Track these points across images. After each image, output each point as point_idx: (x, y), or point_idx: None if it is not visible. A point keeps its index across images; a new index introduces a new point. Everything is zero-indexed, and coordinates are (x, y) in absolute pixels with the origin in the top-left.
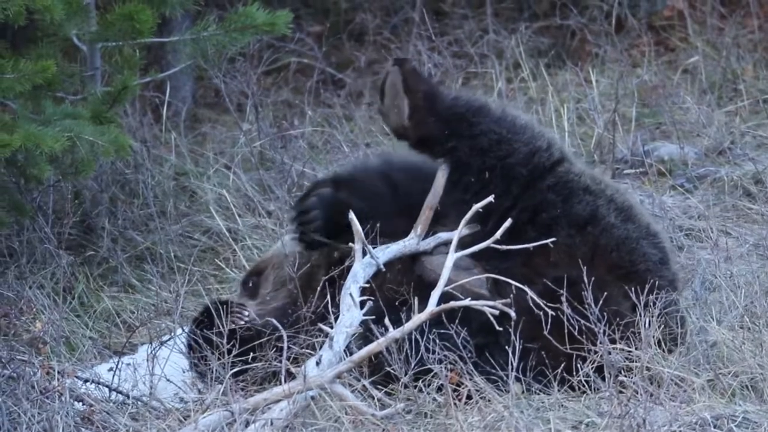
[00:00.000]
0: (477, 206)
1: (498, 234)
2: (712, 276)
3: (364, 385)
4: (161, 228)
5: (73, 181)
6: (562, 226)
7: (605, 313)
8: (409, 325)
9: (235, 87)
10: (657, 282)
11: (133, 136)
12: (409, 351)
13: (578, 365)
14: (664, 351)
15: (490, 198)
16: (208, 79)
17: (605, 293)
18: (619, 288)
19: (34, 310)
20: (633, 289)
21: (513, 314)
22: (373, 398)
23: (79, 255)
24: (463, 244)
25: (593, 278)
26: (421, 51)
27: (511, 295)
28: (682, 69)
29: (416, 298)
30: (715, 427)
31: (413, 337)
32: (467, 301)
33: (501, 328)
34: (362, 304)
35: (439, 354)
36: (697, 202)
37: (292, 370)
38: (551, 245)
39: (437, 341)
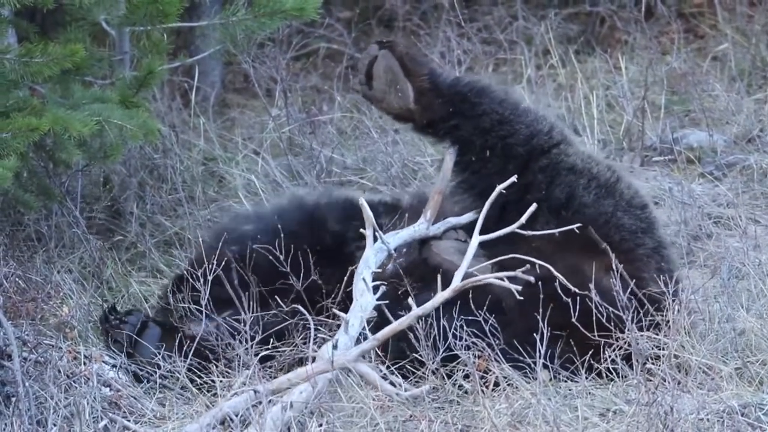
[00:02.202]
0: (500, 187)
1: (523, 219)
2: (741, 264)
3: (386, 372)
4: (190, 213)
5: (102, 166)
6: (541, 212)
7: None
8: (432, 303)
9: (264, 72)
10: (637, 250)
11: (162, 120)
12: (437, 336)
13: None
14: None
15: (513, 178)
16: (237, 64)
17: (581, 273)
18: (591, 265)
19: (62, 294)
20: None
21: (533, 280)
22: (400, 383)
23: (107, 240)
24: (469, 229)
25: (567, 260)
26: (451, 37)
27: (536, 270)
28: (711, 56)
29: (439, 276)
30: (742, 415)
31: (441, 324)
32: (489, 276)
33: (507, 311)
34: (375, 288)
35: (466, 340)
36: (726, 189)
37: (316, 354)
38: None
39: (464, 327)
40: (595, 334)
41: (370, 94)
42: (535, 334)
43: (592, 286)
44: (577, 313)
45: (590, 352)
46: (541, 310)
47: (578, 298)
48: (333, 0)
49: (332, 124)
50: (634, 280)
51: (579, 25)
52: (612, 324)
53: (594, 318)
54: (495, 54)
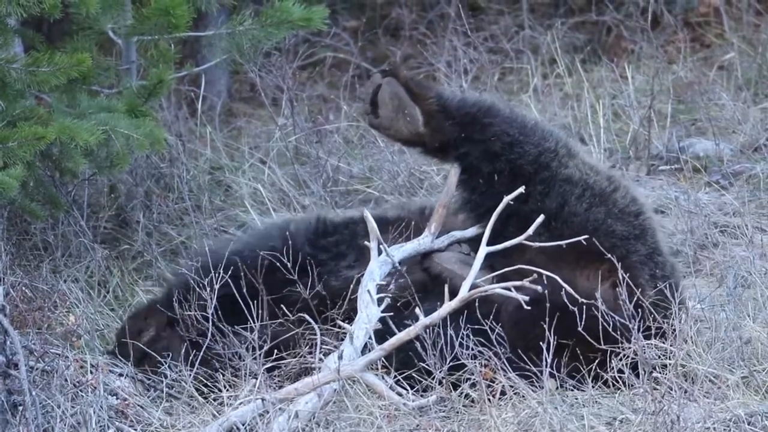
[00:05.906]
0: (508, 198)
1: (530, 230)
2: (747, 273)
3: (393, 381)
4: (196, 222)
5: (108, 175)
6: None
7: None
8: (439, 313)
9: (271, 81)
10: (630, 257)
11: (169, 130)
12: (444, 346)
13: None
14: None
15: (521, 189)
16: (243, 74)
17: (574, 285)
18: (584, 276)
19: (68, 303)
20: (609, 269)
21: (540, 289)
22: (406, 391)
23: (113, 249)
24: (473, 243)
25: (561, 272)
26: (457, 46)
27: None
28: (717, 65)
29: (446, 286)
30: (749, 424)
31: (448, 334)
32: (496, 286)
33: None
34: (379, 301)
35: (473, 349)
36: (732, 198)
37: (322, 364)
38: (527, 242)
39: (471, 336)
40: (592, 346)
41: (376, 123)
42: (540, 343)
43: (597, 294)
44: (573, 325)
45: (590, 364)
46: (540, 322)
47: (575, 309)
48: (339, 9)
49: (339, 133)
50: (626, 286)
51: (585, 34)
52: (616, 333)
53: (588, 329)
54: (501, 63)
